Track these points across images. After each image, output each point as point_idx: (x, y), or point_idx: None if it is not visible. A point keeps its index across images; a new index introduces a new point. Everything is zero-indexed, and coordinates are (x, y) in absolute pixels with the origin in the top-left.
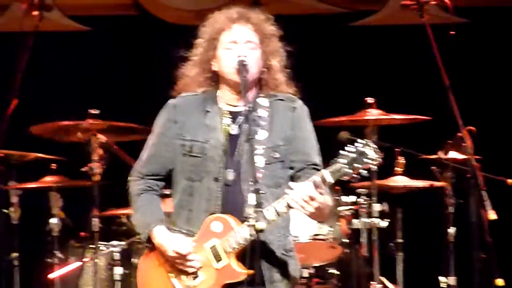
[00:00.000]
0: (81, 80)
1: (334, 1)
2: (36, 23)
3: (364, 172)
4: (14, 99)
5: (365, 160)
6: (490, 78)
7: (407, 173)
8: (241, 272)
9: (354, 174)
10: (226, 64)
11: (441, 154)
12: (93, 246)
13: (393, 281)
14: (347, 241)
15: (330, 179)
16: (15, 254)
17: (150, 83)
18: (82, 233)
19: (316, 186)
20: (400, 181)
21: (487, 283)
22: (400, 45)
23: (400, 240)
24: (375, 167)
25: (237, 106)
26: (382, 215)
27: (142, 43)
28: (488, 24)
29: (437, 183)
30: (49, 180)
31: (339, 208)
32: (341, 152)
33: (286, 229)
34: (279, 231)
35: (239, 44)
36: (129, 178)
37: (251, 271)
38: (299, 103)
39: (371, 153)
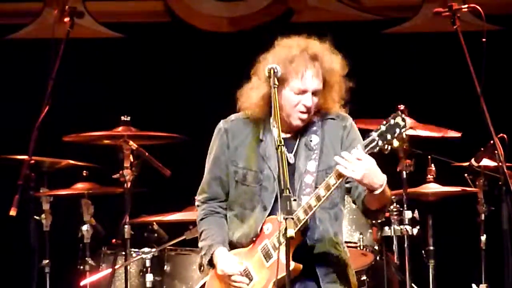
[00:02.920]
0: (113, 87)
1: (366, 8)
2: (67, 29)
3: (395, 143)
4: (45, 106)
5: (395, 129)
6: None
7: (439, 180)
8: (288, 264)
9: (386, 144)
10: (289, 105)
11: (473, 162)
12: (125, 253)
13: None
14: (378, 248)
15: (363, 152)
16: (46, 261)
17: (182, 90)
18: (114, 240)
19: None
20: (431, 188)
21: None
22: (433, 53)
23: (431, 248)
24: (405, 136)
25: (290, 133)
26: (413, 222)
27: (174, 50)
28: None
29: (469, 189)
30: (80, 187)
31: None
32: (375, 128)
33: (341, 238)
34: (337, 242)
35: (308, 92)
36: (196, 204)
37: (299, 265)
38: (349, 121)
39: (400, 121)
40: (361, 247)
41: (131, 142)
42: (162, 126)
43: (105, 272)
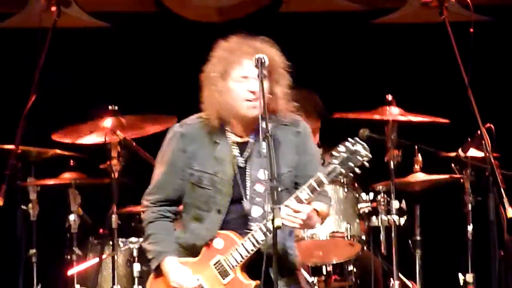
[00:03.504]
0: (100, 77)
1: None
2: (54, 19)
3: (357, 170)
4: (32, 96)
5: (357, 157)
6: (510, 76)
7: (426, 171)
8: (249, 283)
9: (349, 173)
10: (235, 97)
11: (460, 152)
12: (112, 242)
13: (411, 278)
14: (366, 238)
15: (325, 181)
16: (33, 251)
17: (170, 80)
18: (101, 230)
19: (312, 189)
20: (418, 178)
21: (506, 281)
22: (420, 43)
23: (418, 238)
24: (367, 164)
25: (243, 137)
26: (400, 212)
27: (162, 40)
28: (509, 22)
29: (456, 176)
30: (67, 177)
31: (358, 206)
32: (333, 153)
33: (295, 249)
34: (287, 246)
35: (249, 78)
36: (143, 202)
37: (258, 282)
38: (303, 126)
39: (362, 150)
40: (348, 237)
41: (118, 132)
42: (149, 116)
43: (92, 261)
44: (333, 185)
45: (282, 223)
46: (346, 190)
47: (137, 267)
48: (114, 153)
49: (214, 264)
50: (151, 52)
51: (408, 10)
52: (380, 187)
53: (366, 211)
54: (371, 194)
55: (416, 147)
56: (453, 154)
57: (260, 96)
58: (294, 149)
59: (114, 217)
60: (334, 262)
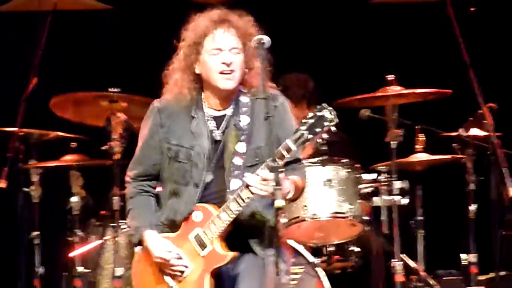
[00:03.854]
0: (102, 59)
1: None
2: (54, 1)
3: (325, 135)
4: (33, 78)
5: (323, 123)
6: (511, 54)
7: (428, 150)
8: (225, 254)
9: (316, 138)
10: (211, 70)
11: (461, 131)
12: (114, 224)
13: (414, 258)
14: (368, 218)
15: (293, 147)
16: (35, 233)
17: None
18: (103, 212)
19: (280, 156)
20: (420, 158)
21: (508, 260)
22: (421, 22)
23: (420, 218)
24: (334, 128)
25: (220, 110)
26: (402, 192)
27: (163, 22)
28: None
29: (458, 156)
30: (69, 158)
31: (360, 186)
32: (302, 120)
33: (267, 211)
34: (262, 215)
35: (223, 51)
36: (126, 180)
37: (235, 253)
38: (280, 101)
39: (328, 115)
40: (350, 218)
41: (119, 114)
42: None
43: (94, 243)
44: (335, 165)
45: (254, 193)
46: (347, 170)
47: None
48: (115, 135)
49: (194, 237)
50: (153, 33)
51: None
52: (382, 167)
53: (368, 191)
54: (373, 175)
55: (417, 127)
56: (454, 133)
57: (261, 78)
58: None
59: (115, 199)
60: (336, 242)
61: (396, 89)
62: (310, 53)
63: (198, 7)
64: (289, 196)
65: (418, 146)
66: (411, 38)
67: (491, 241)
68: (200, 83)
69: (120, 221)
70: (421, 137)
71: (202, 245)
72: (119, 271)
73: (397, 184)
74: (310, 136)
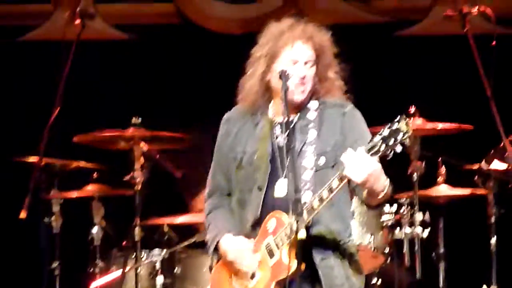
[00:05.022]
0: (124, 89)
1: (376, 11)
2: (78, 31)
3: (398, 148)
4: (56, 108)
5: (398, 135)
6: None
7: (449, 183)
8: (289, 265)
9: (389, 150)
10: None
11: (483, 164)
12: (135, 255)
13: None
14: (389, 250)
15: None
16: (56, 263)
17: (194, 92)
18: (124, 242)
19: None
20: (442, 190)
21: None
22: (443, 55)
23: (442, 250)
24: (408, 142)
25: (288, 117)
26: (424, 224)
27: (185, 52)
28: None
29: (478, 191)
30: (91, 189)
31: (382, 218)
32: (379, 131)
33: (343, 235)
34: (336, 237)
35: (299, 62)
36: (204, 201)
37: (302, 265)
38: (349, 107)
39: (403, 126)
40: (372, 249)
41: (142, 144)
42: (173, 128)
43: (115, 274)
44: (357, 196)
45: (344, 178)
46: None
47: (160, 279)
48: (137, 165)
49: (265, 246)
50: (175, 64)
51: (430, 22)
52: (404, 199)
53: (390, 223)
54: (395, 206)
55: (439, 159)
56: (476, 166)
57: (284, 109)
58: (339, 129)
59: (137, 229)
60: None
61: (418, 122)
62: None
63: (219, 38)
64: (381, 195)
65: (440, 178)
66: (434, 70)
67: None
68: (270, 91)
69: (142, 251)
70: (443, 170)
71: (271, 254)
72: None
73: (419, 216)
74: (383, 147)
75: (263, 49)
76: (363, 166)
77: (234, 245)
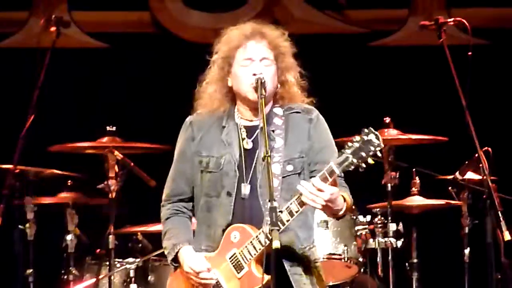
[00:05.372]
0: (98, 97)
1: (352, 21)
2: (53, 39)
3: (370, 160)
4: (31, 115)
5: (370, 147)
6: (507, 99)
7: (424, 193)
8: (261, 277)
9: (361, 163)
10: (242, 81)
11: (457, 175)
12: (109, 263)
13: None
14: (363, 260)
15: (337, 171)
16: (30, 271)
17: (168, 100)
18: (98, 250)
19: (323, 178)
20: (416, 201)
21: None
22: (418, 66)
23: (415, 260)
24: (379, 154)
25: (253, 121)
26: (397, 235)
27: (160, 61)
28: (506, 45)
29: (453, 202)
30: (65, 196)
31: (356, 228)
32: (347, 143)
33: (308, 241)
34: (301, 243)
35: (254, 61)
36: (161, 204)
37: (270, 276)
38: (315, 114)
39: (374, 140)
40: (346, 259)
41: (116, 152)
42: (147, 137)
43: (89, 282)
44: None
45: (304, 203)
46: None
47: (133, 287)
48: (111, 173)
49: (230, 258)
50: (149, 72)
51: (406, 32)
52: (378, 209)
53: (363, 233)
54: (368, 216)
55: (413, 169)
56: (450, 177)
57: (260, 116)
58: (306, 136)
59: (111, 237)
60: (331, 284)
61: (393, 133)
62: (308, 93)
63: (196, 47)
64: (340, 213)
65: (414, 189)
66: (408, 80)
67: (487, 285)
68: (233, 95)
69: (116, 259)
70: (417, 180)
71: (239, 267)
72: None
73: (393, 226)
74: (354, 160)
75: (220, 54)
76: (320, 193)
77: (192, 259)
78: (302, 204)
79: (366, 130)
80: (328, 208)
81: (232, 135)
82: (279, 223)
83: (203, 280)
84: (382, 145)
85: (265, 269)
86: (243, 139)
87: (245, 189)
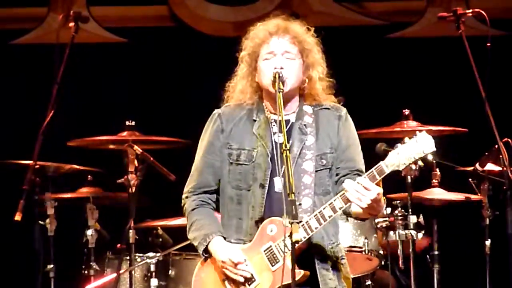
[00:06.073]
0: (118, 91)
1: (370, 13)
2: (72, 34)
3: (420, 163)
4: (50, 111)
5: (420, 150)
6: None
7: (444, 185)
8: (297, 272)
9: (411, 164)
10: (264, 75)
11: (477, 166)
12: (129, 257)
13: None
14: (383, 253)
15: (387, 170)
16: (51, 266)
17: (187, 94)
18: (118, 245)
19: (371, 177)
20: (436, 193)
21: None
22: (437, 57)
23: (436, 252)
24: (430, 156)
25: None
26: (418, 227)
27: (179, 55)
28: None
29: (473, 196)
30: (85, 191)
31: (376, 220)
32: (398, 144)
33: (336, 237)
34: (330, 239)
35: (276, 55)
36: (183, 196)
37: (307, 272)
38: (344, 111)
39: (426, 142)
40: (366, 252)
41: (135, 147)
42: (166, 131)
43: (109, 277)
44: None
45: (349, 200)
46: None
47: (154, 282)
48: (131, 168)
49: (265, 251)
50: (169, 67)
51: (424, 24)
52: (398, 201)
53: (384, 225)
54: (389, 209)
55: (434, 161)
56: (470, 168)
57: (278, 110)
58: (336, 131)
59: (131, 232)
60: (352, 277)
61: (412, 124)
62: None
63: (214, 41)
64: (379, 214)
65: (434, 181)
66: (427, 72)
67: (508, 276)
68: (261, 90)
69: (136, 254)
70: (437, 172)
71: (274, 260)
72: None
73: (413, 219)
74: (405, 162)
75: (247, 50)
76: (367, 192)
77: (227, 250)
78: (347, 201)
79: (418, 133)
80: (372, 208)
81: (263, 128)
82: (320, 218)
83: (239, 271)
84: (434, 148)
85: (300, 265)
86: (274, 133)
87: (279, 182)
